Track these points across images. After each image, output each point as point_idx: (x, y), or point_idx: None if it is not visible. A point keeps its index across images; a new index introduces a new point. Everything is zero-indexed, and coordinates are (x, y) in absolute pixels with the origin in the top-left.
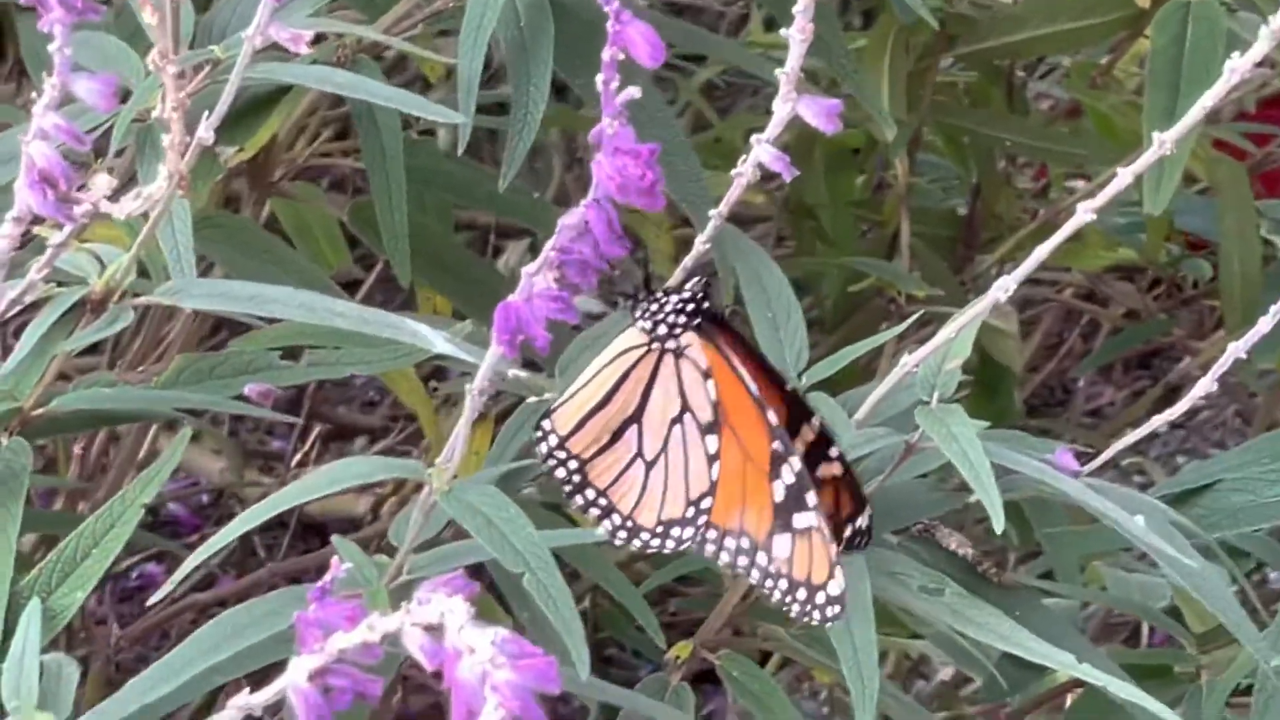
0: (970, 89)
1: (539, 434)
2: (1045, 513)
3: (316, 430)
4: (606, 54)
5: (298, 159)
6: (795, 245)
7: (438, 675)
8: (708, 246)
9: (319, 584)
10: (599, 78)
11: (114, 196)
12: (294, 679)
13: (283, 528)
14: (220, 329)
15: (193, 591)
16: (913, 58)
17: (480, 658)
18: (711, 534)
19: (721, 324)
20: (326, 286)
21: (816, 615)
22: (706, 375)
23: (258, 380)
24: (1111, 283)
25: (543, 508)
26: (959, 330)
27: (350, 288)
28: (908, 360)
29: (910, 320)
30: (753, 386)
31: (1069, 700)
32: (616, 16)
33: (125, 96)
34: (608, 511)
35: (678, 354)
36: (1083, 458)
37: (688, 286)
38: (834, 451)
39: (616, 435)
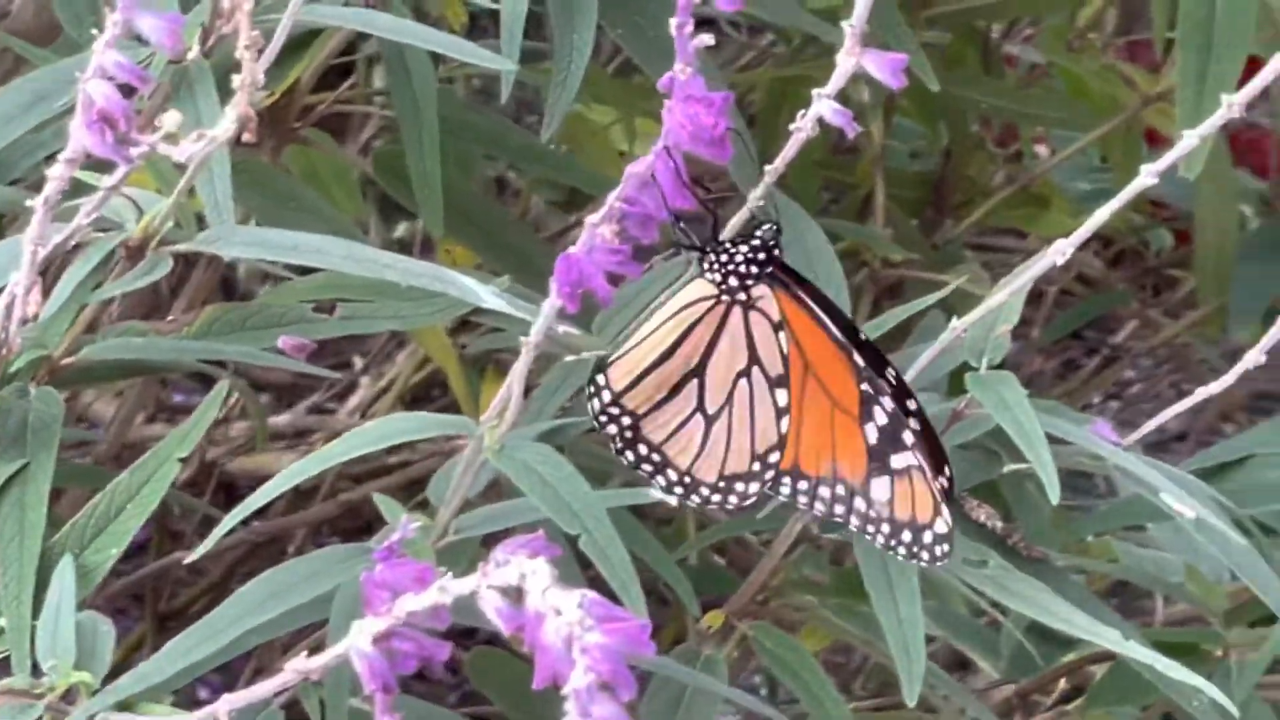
0: (945, 49)
1: (591, 389)
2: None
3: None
4: None
5: (317, 104)
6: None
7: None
8: (761, 203)
9: (385, 544)
10: (673, 21)
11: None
12: (357, 642)
13: (191, 486)
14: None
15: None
16: None
17: (567, 620)
18: (802, 484)
19: (792, 271)
20: (357, 237)
21: (925, 555)
22: (778, 328)
23: (291, 333)
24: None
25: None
26: (1009, 295)
27: None
28: (956, 325)
29: (941, 294)
30: (835, 330)
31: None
32: None
33: None
34: (661, 467)
35: (748, 306)
36: None
37: (758, 235)
38: (912, 405)
39: (675, 389)
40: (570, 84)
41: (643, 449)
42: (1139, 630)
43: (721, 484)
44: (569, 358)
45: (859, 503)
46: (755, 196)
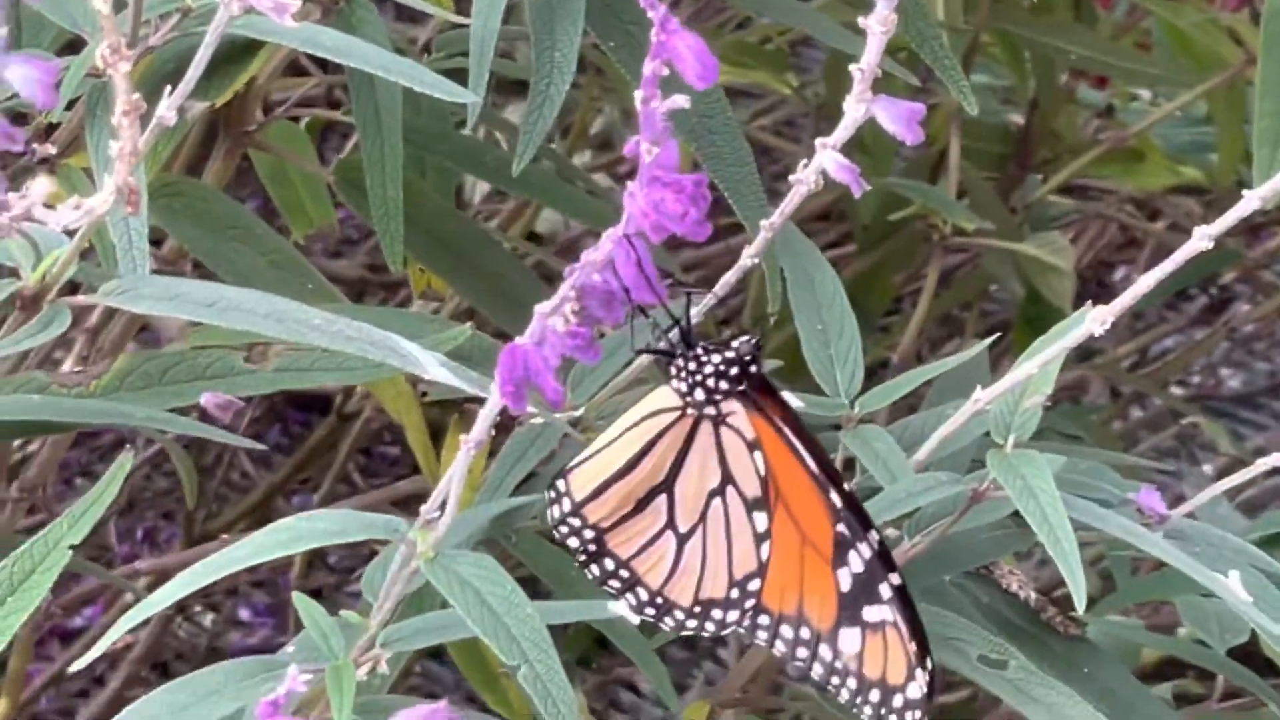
0: None
1: (551, 495)
2: None
3: None
4: (648, 68)
5: (280, 97)
6: None
7: None
8: (755, 261)
9: (270, 698)
10: (637, 94)
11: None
12: None
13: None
14: None
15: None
16: None
17: None
18: (764, 619)
19: (771, 392)
20: (301, 269)
21: (893, 719)
22: (752, 447)
23: (217, 388)
24: (1171, 200)
25: (542, 537)
26: (1043, 364)
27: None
28: (980, 395)
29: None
30: (811, 463)
31: None
32: (662, 25)
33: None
34: (630, 585)
35: (718, 421)
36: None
37: (735, 345)
38: (894, 578)
39: (642, 504)
40: (548, 109)
41: (609, 564)
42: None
43: (697, 609)
44: (537, 419)
45: (824, 650)
46: (751, 253)
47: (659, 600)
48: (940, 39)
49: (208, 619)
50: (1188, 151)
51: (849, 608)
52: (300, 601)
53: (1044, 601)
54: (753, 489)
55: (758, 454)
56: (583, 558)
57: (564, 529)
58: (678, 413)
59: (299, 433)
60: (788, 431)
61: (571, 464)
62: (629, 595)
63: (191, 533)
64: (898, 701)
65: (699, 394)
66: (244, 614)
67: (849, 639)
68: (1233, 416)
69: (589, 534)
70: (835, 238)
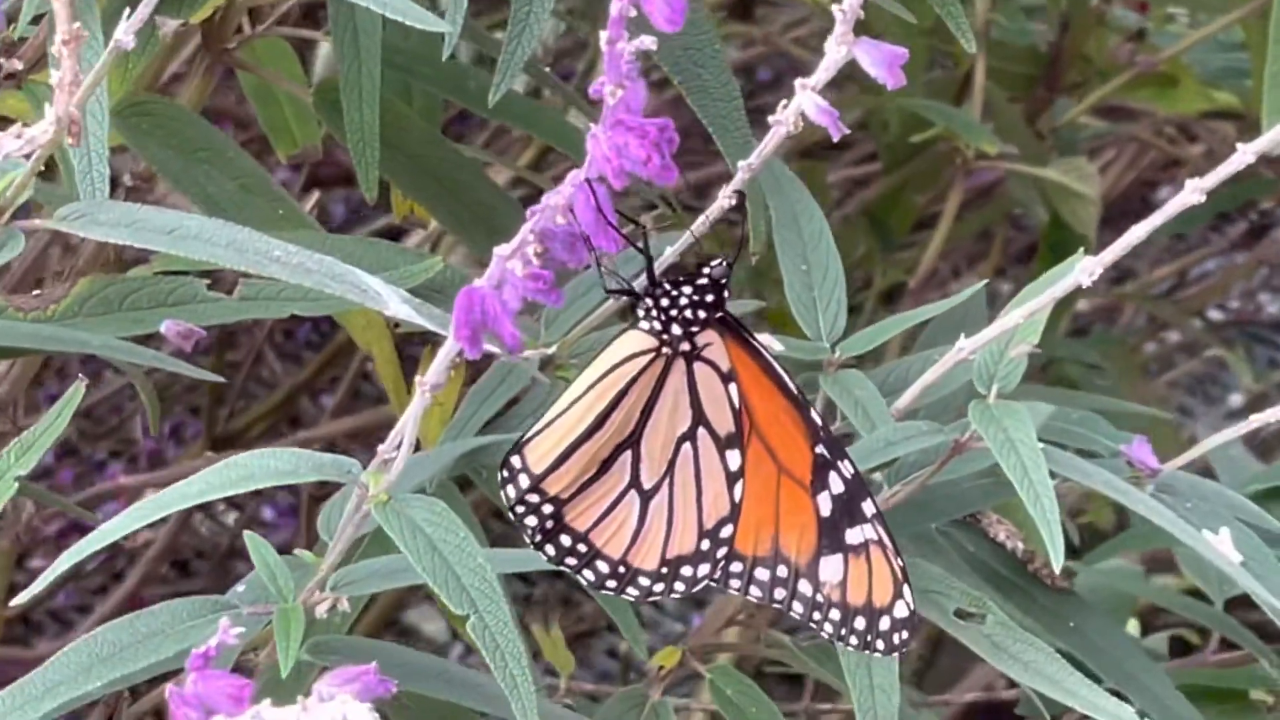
0: None
1: (504, 474)
2: None
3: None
4: (614, 7)
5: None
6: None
7: None
8: (733, 201)
9: (201, 650)
10: (603, 34)
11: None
12: None
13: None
14: None
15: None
16: None
17: None
18: (736, 566)
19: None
20: (272, 194)
21: (880, 645)
22: (727, 379)
23: (179, 316)
24: (1209, 125)
25: None
26: (1029, 314)
27: None
28: (964, 344)
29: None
30: (790, 383)
31: None
32: None
33: None
34: (589, 560)
35: (692, 356)
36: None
37: (705, 271)
38: (868, 508)
39: (605, 465)
40: (528, 36)
41: (566, 540)
42: (1179, 672)
43: (664, 570)
44: (504, 358)
45: (804, 586)
46: (731, 188)
47: (621, 569)
48: None
49: (230, 518)
50: (1222, 77)
51: (829, 534)
52: (250, 539)
53: (1031, 553)
54: (726, 426)
55: (732, 386)
56: (538, 537)
57: (521, 508)
58: (650, 355)
59: (329, 331)
60: (763, 352)
61: (527, 436)
62: (586, 571)
63: (214, 430)
64: (885, 624)
65: (675, 329)
66: (267, 514)
67: (830, 567)
68: (1270, 343)
69: (548, 509)
70: (863, 154)
